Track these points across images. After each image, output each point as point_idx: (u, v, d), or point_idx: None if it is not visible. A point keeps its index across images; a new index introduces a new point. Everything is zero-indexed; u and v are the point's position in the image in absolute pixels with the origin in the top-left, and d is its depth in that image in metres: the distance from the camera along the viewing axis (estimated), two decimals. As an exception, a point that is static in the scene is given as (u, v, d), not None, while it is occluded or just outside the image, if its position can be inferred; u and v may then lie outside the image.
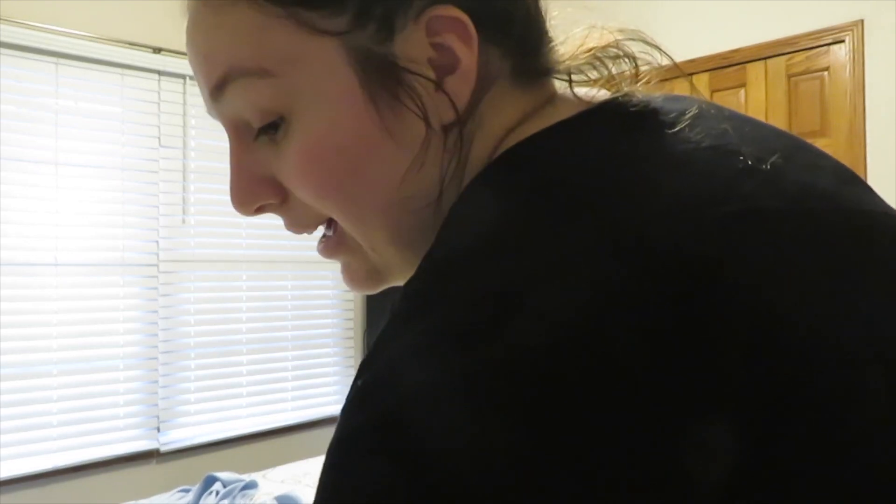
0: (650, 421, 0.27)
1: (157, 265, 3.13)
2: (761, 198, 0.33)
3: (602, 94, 0.42)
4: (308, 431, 3.66)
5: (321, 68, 0.39)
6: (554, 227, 0.32)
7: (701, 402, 0.28)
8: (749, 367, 0.28)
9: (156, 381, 3.12)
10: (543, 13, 0.44)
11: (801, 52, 2.84)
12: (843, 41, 2.71)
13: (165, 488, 3.07)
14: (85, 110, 2.95)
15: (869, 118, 2.65)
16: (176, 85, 3.21)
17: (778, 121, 2.90)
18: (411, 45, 0.39)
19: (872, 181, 2.64)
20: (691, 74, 3.14)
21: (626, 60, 0.43)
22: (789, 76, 2.87)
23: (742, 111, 2.69)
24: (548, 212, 0.33)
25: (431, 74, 0.39)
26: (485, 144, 0.41)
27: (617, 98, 0.40)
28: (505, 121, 0.41)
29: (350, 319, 3.85)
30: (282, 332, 3.57)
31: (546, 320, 0.29)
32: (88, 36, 2.93)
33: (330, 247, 0.45)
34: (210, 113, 0.44)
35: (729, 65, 3.02)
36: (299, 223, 0.45)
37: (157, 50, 3.13)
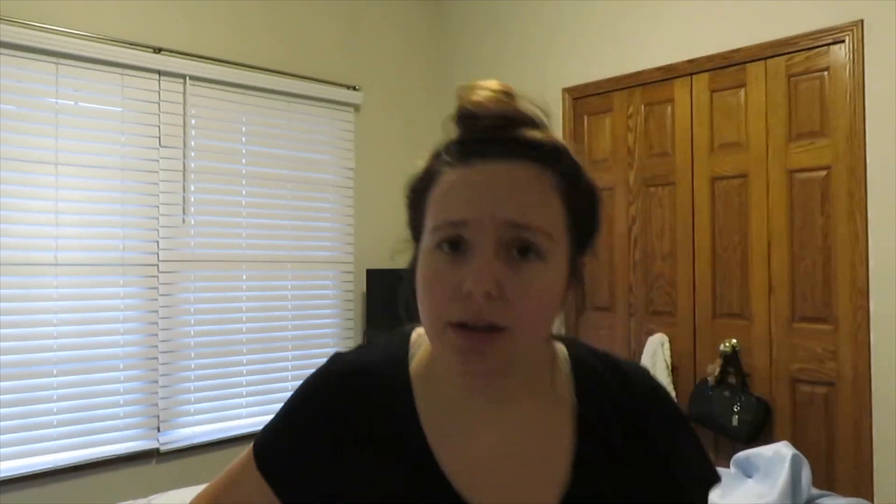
0: None
1: (157, 265, 3.13)
2: None
3: None
4: (308, 431, 3.65)
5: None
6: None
7: None
8: None
9: (156, 381, 3.13)
10: None
11: (801, 52, 2.84)
12: (842, 41, 2.71)
13: (165, 488, 3.06)
14: (85, 110, 2.95)
15: (869, 118, 2.64)
16: (176, 85, 3.21)
17: (778, 121, 2.90)
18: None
19: (872, 182, 2.63)
20: (691, 74, 3.14)
21: None
22: (789, 76, 2.87)
23: (742, 111, 2.71)
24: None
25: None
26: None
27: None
28: None
29: (350, 319, 3.85)
30: (282, 331, 3.57)
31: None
32: (88, 36, 2.93)
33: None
34: None
35: (729, 65, 3.02)
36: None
37: (157, 50, 3.13)
